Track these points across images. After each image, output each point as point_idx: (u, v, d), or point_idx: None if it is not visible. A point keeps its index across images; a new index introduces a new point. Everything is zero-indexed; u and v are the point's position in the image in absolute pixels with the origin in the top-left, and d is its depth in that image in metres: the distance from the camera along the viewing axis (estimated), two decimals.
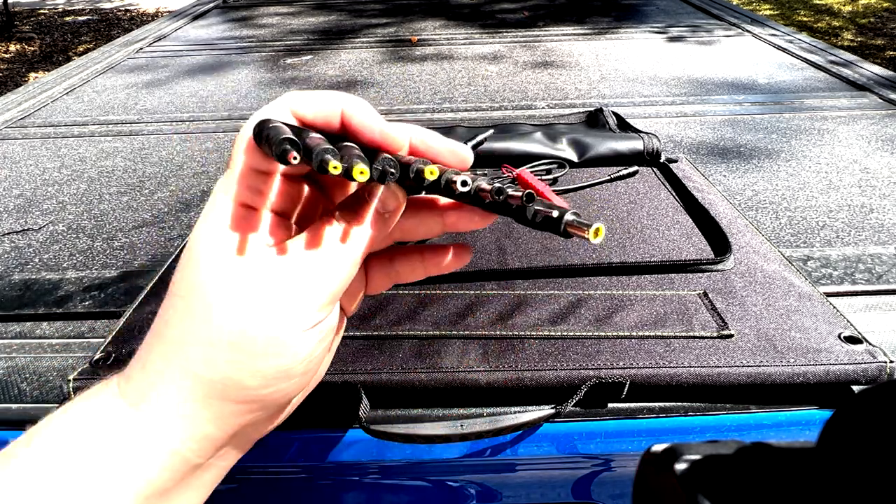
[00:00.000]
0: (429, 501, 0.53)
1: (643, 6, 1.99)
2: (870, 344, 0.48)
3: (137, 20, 6.33)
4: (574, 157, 0.83)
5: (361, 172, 0.22)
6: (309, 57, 1.55)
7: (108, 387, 0.25)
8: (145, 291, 0.58)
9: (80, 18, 6.43)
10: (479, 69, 1.39)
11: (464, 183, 0.25)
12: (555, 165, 0.79)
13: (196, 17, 2.05)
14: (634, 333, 0.50)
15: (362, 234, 0.25)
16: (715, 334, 0.50)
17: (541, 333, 0.50)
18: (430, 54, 1.53)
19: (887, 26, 5.06)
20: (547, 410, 0.46)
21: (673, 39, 1.60)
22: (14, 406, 0.50)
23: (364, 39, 1.71)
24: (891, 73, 1.25)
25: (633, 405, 0.48)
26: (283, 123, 0.24)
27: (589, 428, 0.48)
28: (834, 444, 0.16)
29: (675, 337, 0.50)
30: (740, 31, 1.64)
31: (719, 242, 0.63)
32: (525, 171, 0.72)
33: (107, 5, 7.10)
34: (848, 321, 0.51)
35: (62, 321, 0.59)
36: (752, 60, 1.39)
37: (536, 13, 1.95)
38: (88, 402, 0.24)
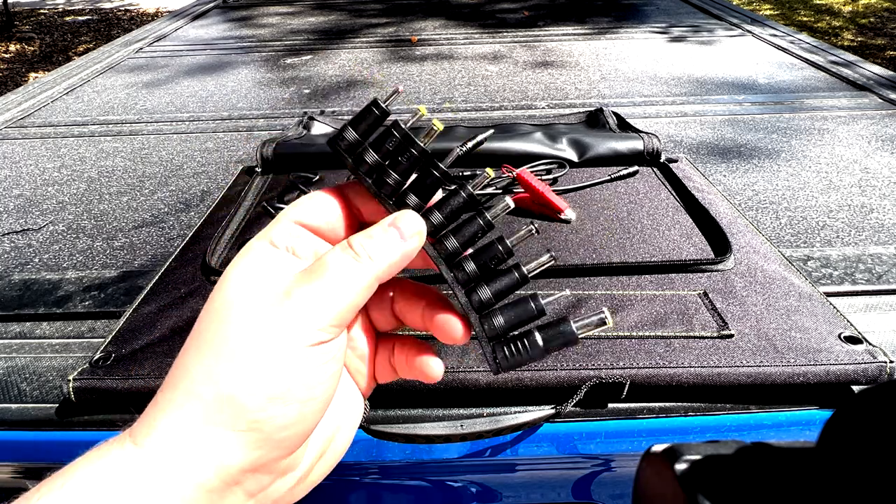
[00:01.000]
0: (429, 501, 0.53)
1: (643, 6, 1.99)
2: (870, 344, 0.48)
3: (137, 20, 6.33)
4: (574, 157, 0.83)
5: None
6: (309, 57, 1.55)
7: (116, 441, 0.25)
8: (145, 291, 0.58)
9: (80, 18, 6.44)
10: (479, 69, 1.39)
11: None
12: (555, 165, 0.78)
13: (196, 17, 2.05)
14: (634, 333, 0.50)
15: (371, 264, 0.25)
16: (715, 334, 0.50)
17: None
18: (430, 54, 1.53)
19: (887, 26, 5.06)
20: (547, 410, 0.46)
21: (673, 39, 1.60)
22: (14, 406, 0.50)
23: (364, 39, 1.71)
24: (891, 73, 1.25)
25: (633, 405, 0.48)
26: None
27: (589, 428, 0.48)
28: (834, 444, 0.16)
29: (675, 337, 0.50)
30: (741, 31, 1.64)
31: (719, 242, 0.63)
32: (525, 171, 0.72)
33: (107, 5, 7.10)
34: (848, 321, 0.51)
35: (62, 321, 0.59)
36: (752, 60, 1.39)
37: (536, 13, 1.95)
38: (95, 454, 0.24)
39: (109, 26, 6.16)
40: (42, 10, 6.93)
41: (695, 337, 0.49)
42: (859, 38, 4.73)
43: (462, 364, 0.47)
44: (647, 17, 1.85)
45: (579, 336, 0.25)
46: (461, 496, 0.52)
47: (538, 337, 0.26)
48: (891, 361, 0.46)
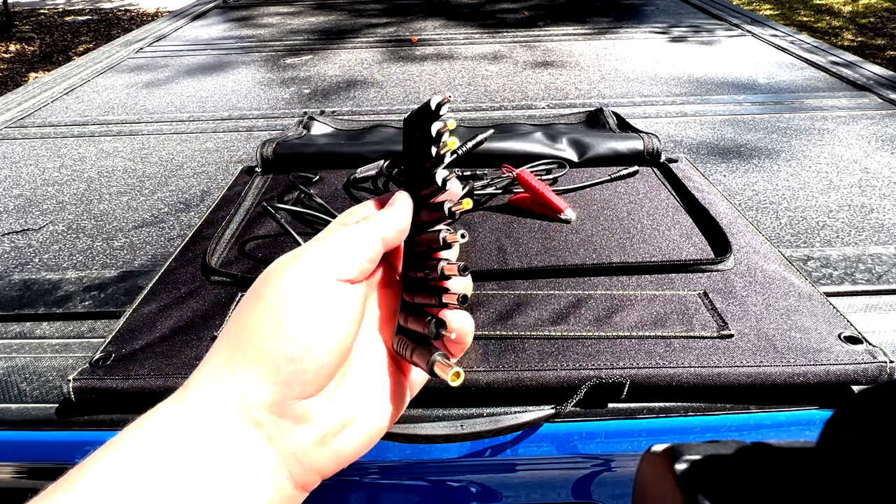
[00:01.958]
0: (429, 501, 0.53)
1: (643, 6, 1.99)
2: (870, 344, 0.48)
3: (137, 20, 6.33)
4: (574, 157, 0.83)
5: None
6: (309, 57, 1.55)
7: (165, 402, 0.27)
8: (145, 291, 0.58)
9: (80, 18, 6.43)
10: (479, 69, 1.39)
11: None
12: (555, 165, 0.78)
13: (196, 17, 2.05)
14: (634, 333, 0.50)
15: (382, 220, 0.29)
16: (715, 334, 0.50)
17: (541, 333, 0.50)
18: (430, 54, 1.53)
19: (887, 26, 5.06)
20: (547, 410, 0.46)
21: (673, 39, 1.60)
22: (14, 406, 0.50)
23: (364, 39, 1.71)
24: (891, 73, 1.25)
25: (633, 405, 0.48)
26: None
27: (589, 428, 0.48)
28: (834, 444, 0.16)
29: (675, 337, 0.50)
30: (741, 31, 1.64)
31: (719, 242, 0.63)
32: (525, 171, 0.72)
33: (107, 5, 7.10)
34: (848, 321, 0.51)
35: (62, 321, 0.59)
36: (752, 60, 1.39)
37: (536, 13, 1.95)
38: (146, 415, 0.26)
39: (109, 26, 6.16)
40: (42, 10, 6.93)
41: (695, 337, 0.49)
42: (859, 38, 4.73)
43: (462, 364, 0.47)
44: (647, 17, 1.85)
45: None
46: (461, 496, 0.52)
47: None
48: (891, 361, 0.46)
